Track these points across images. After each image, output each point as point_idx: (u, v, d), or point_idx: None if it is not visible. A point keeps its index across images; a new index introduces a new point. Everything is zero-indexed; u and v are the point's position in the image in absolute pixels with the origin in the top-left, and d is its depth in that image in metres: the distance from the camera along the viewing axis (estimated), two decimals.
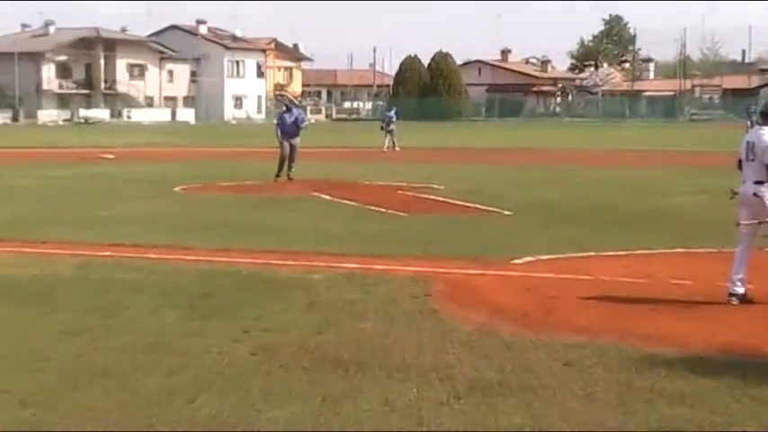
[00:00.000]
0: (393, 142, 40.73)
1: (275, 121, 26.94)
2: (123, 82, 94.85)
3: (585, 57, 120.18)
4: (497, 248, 12.37)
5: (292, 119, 25.03)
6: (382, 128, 41.68)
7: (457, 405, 5.96)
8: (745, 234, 9.28)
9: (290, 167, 24.12)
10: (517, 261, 11.39)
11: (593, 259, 11.65)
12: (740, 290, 9.07)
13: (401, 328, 7.99)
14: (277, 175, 23.91)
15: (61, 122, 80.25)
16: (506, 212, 16.63)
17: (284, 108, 26.76)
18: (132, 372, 6.70)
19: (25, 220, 15.71)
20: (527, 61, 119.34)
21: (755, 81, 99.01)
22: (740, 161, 9.32)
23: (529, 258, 11.55)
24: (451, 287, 9.74)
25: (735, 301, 9.01)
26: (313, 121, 27.82)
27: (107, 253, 11.99)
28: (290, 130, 24.53)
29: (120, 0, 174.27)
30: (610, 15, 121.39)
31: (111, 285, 9.89)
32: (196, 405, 5.93)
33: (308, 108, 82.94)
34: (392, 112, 43.19)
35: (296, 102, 27.76)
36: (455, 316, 8.40)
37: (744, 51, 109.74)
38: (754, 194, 9.03)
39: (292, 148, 24.25)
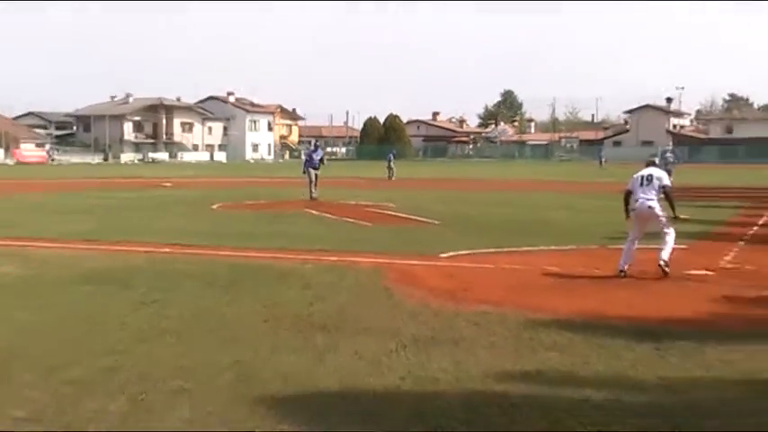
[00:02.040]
0: (392, 174, 39.89)
1: (304, 157, 26.01)
2: (178, 134, 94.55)
3: (489, 117, 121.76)
4: (430, 247, 12.35)
5: (318, 156, 24.50)
6: (389, 166, 40.69)
7: (403, 353, 5.99)
8: (634, 235, 9.77)
9: (314, 190, 23.49)
10: (443, 255, 11.40)
11: (495, 254, 11.71)
12: (625, 267, 9.46)
13: (365, 301, 8.00)
14: (311, 197, 23.04)
15: (136, 161, 79.69)
16: (436, 222, 16.65)
17: (313, 148, 25.73)
18: (184, 331, 6.68)
19: (108, 228, 15.48)
20: (450, 120, 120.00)
21: (601, 134, 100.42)
22: (628, 192, 9.80)
23: (452, 253, 11.57)
24: (399, 274, 9.73)
25: (623, 275, 9.37)
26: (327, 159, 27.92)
27: (166, 250, 11.89)
28: (314, 164, 23.99)
29: (176, 77, 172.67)
30: (505, 90, 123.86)
31: (170, 272, 9.80)
32: (227, 354, 5.92)
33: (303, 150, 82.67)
34: (391, 154, 42.72)
35: (318, 144, 27.07)
36: (402, 293, 8.41)
37: (593, 115, 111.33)
38: (649, 207, 9.55)
39: (316, 176, 23.71)
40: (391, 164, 41.15)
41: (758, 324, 7.18)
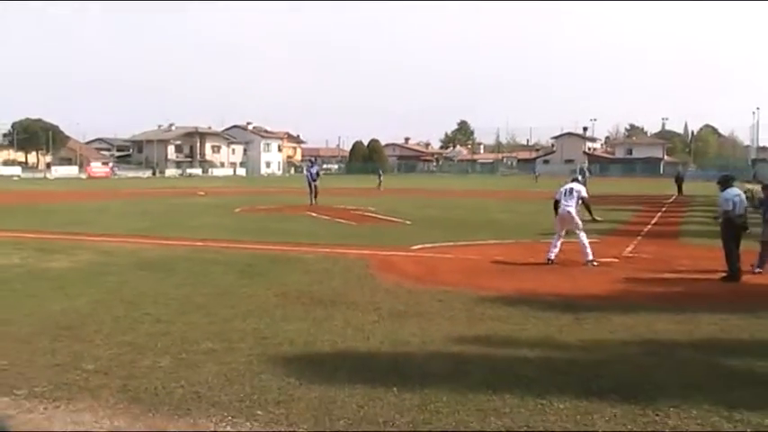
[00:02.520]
0: (380, 185, 39.97)
1: (305, 172, 25.89)
2: (209, 154, 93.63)
3: (449, 141, 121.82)
4: (403, 241, 12.34)
5: (315, 170, 24.29)
6: (379, 181, 40.88)
7: (382, 322, 5.99)
8: (558, 232, 9.87)
9: (315, 198, 23.10)
10: (414, 247, 11.40)
11: (454, 246, 11.71)
12: (552, 257, 9.57)
13: (353, 283, 7.98)
14: (311, 203, 22.61)
15: (177, 176, 78.80)
16: (408, 222, 16.63)
17: (310, 164, 25.48)
18: (214, 306, 6.61)
19: (156, 226, 15.32)
20: (418, 143, 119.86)
21: (534, 154, 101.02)
22: (556, 201, 9.90)
23: (420, 246, 11.57)
24: (379, 262, 9.72)
25: (550, 262, 9.46)
26: (322, 173, 27.90)
27: (199, 243, 11.76)
28: (313, 177, 23.79)
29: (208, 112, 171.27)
30: (460, 120, 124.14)
31: (202, 261, 9.69)
32: (247, 323, 5.89)
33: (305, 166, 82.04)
34: (381, 171, 44.48)
35: (316, 161, 26.89)
36: (381, 277, 8.42)
37: (528, 139, 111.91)
38: (568, 212, 9.68)
39: (315, 187, 23.43)
40: (380, 177, 41.56)
41: (651, 299, 7.27)
